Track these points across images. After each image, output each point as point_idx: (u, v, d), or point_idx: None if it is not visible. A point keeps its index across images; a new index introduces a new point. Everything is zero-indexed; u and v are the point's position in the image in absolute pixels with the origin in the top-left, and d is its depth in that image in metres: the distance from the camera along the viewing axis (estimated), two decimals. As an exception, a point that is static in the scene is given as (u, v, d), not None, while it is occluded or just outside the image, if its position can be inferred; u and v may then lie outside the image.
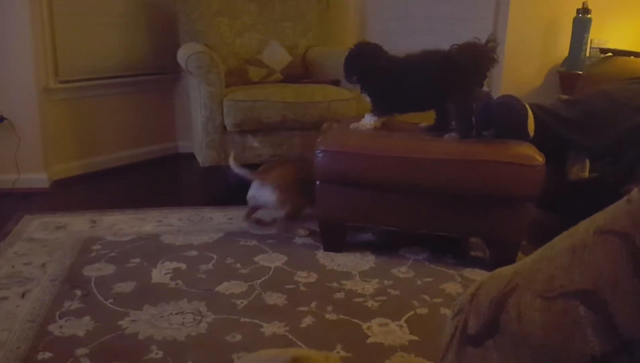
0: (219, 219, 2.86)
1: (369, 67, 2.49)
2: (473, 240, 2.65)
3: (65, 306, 1.99)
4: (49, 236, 2.61)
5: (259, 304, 2.04)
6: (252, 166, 2.81)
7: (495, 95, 2.81)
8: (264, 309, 2.00)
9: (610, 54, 3.89)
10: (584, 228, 0.73)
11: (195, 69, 3.09)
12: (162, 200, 3.18)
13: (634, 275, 0.61)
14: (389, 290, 2.16)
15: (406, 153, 2.29)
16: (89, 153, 3.71)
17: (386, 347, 1.78)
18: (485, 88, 2.57)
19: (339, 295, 2.11)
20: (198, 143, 3.29)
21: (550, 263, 0.73)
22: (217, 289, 2.14)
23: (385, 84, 2.49)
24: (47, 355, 1.70)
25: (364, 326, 1.90)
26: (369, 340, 1.82)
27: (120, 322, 1.89)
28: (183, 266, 2.33)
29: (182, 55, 3.26)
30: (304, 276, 2.26)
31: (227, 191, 3.32)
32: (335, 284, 2.20)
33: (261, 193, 2.70)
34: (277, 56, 3.65)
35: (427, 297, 2.11)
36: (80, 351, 1.72)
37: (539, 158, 2.21)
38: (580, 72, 3.82)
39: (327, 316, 1.96)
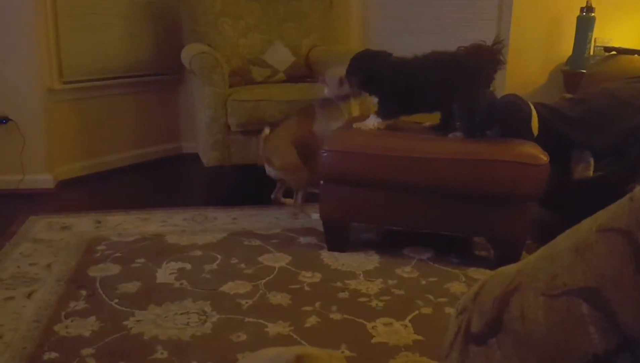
0: (223, 220, 2.87)
1: (377, 68, 2.49)
2: (477, 239, 2.64)
3: (71, 306, 2.00)
4: (54, 236, 2.62)
5: (264, 304, 2.04)
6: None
7: (499, 94, 2.80)
8: (269, 309, 2.01)
9: (614, 52, 3.88)
10: (587, 226, 0.73)
11: (199, 69, 3.10)
12: (166, 200, 3.19)
13: (637, 272, 0.61)
14: (393, 290, 2.16)
15: (410, 153, 2.29)
16: (94, 153, 3.72)
17: (391, 346, 1.79)
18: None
19: (343, 295, 2.12)
20: (202, 143, 3.30)
21: (553, 262, 0.73)
22: (221, 289, 2.14)
23: (393, 85, 2.48)
24: (53, 355, 1.71)
25: (369, 326, 1.90)
26: (373, 340, 1.82)
27: (125, 322, 1.90)
28: (188, 266, 2.34)
29: (185, 55, 3.27)
30: (308, 276, 2.26)
31: (231, 191, 3.32)
32: (339, 284, 2.20)
33: (268, 169, 2.84)
34: (281, 56, 3.66)
35: (431, 297, 2.11)
36: (86, 351, 1.73)
37: (543, 157, 2.21)
38: (584, 71, 3.81)
39: (332, 316, 1.97)
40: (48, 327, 1.86)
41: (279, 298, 2.08)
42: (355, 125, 2.55)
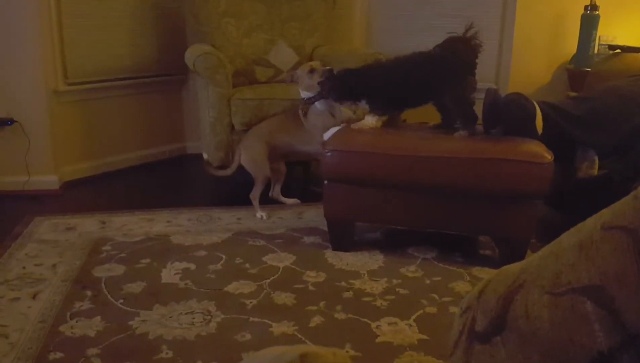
0: (228, 220, 2.87)
1: (361, 74, 2.54)
2: (481, 238, 2.64)
3: (76, 306, 2.01)
4: (60, 237, 2.63)
5: (268, 304, 2.04)
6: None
7: (504, 93, 2.80)
8: (273, 309, 2.01)
9: (618, 50, 3.87)
10: (591, 224, 0.73)
11: (203, 70, 3.10)
12: (171, 201, 3.20)
13: (641, 270, 0.61)
14: (397, 289, 2.16)
15: (414, 152, 2.29)
16: (98, 154, 3.73)
17: (395, 346, 1.78)
18: (493, 86, 2.58)
19: (348, 294, 2.12)
20: (206, 143, 3.30)
21: (558, 260, 0.73)
22: (226, 289, 2.15)
23: (376, 84, 2.52)
24: (59, 355, 1.72)
25: (373, 325, 1.90)
26: (378, 339, 1.82)
27: (130, 322, 1.90)
28: (192, 266, 2.34)
29: (189, 56, 3.27)
30: (312, 276, 2.26)
31: (235, 191, 3.32)
32: (343, 283, 2.20)
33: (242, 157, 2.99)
34: (284, 56, 3.66)
35: (436, 296, 2.11)
36: (91, 351, 1.74)
37: (548, 156, 2.21)
38: (589, 69, 3.80)
39: (336, 315, 1.97)
40: (53, 327, 1.87)
41: (284, 298, 2.08)
42: (353, 125, 2.57)
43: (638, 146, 2.47)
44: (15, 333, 1.83)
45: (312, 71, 2.85)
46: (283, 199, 3.09)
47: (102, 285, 2.17)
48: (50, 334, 1.83)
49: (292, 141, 2.94)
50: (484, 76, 3.91)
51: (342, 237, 2.51)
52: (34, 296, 2.07)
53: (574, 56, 3.94)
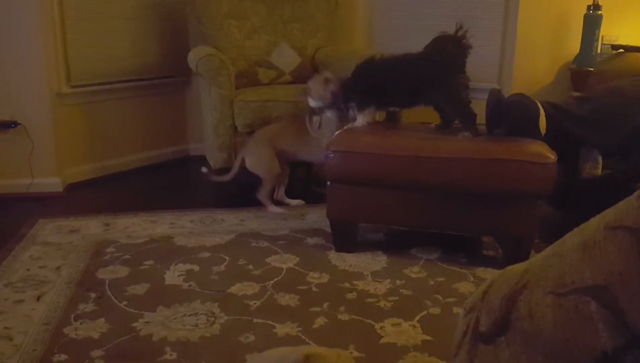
0: (231, 221, 2.87)
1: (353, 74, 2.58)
2: (485, 238, 2.64)
3: (80, 308, 2.01)
4: (63, 239, 2.63)
5: (272, 305, 2.04)
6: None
7: (507, 93, 2.80)
8: (277, 310, 2.01)
9: (621, 50, 3.85)
10: (595, 224, 0.73)
11: (206, 71, 3.11)
12: (174, 202, 3.20)
13: (645, 270, 0.61)
14: (401, 290, 2.16)
15: (417, 152, 2.29)
16: (102, 156, 3.74)
17: (399, 347, 1.78)
18: (495, 86, 2.58)
19: (351, 296, 2.12)
20: (209, 145, 3.31)
21: (561, 260, 0.73)
22: (229, 290, 2.15)
23: (363, 80, 2.55)
24: (63, 357, 1.72)
25: (377, 326, 1.90)
26: (382, 340, 1.82)
27: (134, 324, 1.91)
28: (196, 267, 2.34)
29: (192, 58, 3.28)
30: (316, 277, 2.27)
31: (238, 193, 3.32)
32: (347, 284, 2.20)
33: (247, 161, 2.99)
34: (287, 58, 3.66)
35: (439, 297, 2.11)
36: (95, 353, 1.74)
37: (551, 156, 2.20)
38: (592, 69, 3.79)
39: (340, 316, 1.97)
40: (57, 329, 1.87)
41: (287, 299, 2.08)
42: (346, 127, 2.58)
43: (641, 146, 2.47)
44: (20, 335, 1.83)
45: (327, 81, 2.78)
46: (287, 200, 3.10)
47: (106, 286, 2.18)
48: (54, 336, 1.83)
49: (295, 148, 2.96)
50: (487, 76, 3.91)
51: (345, 238, 2.51)
52: (38, 299, 2.08)
53: (577, 56, 3.93)
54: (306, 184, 3.68)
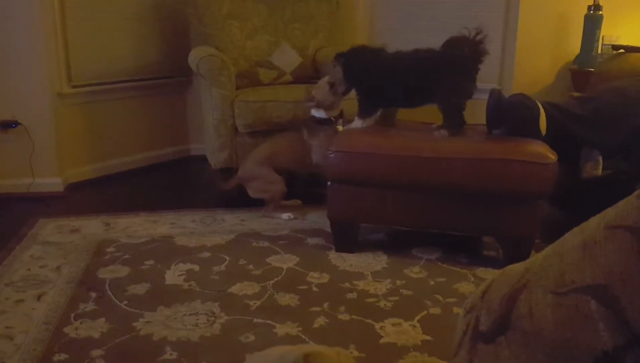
0: (232, 221, 2.87)
1: (356, 63, 2.56)
2: (486, 239, 2.64)
3: (80, 308, 2.01)
4: (64, 239, 2.63)
5: (272, 305, 2.04)
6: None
7: (507, 93, 2.80)
8: (277, 310, 2.01)
9: (622, 50, 3.85)
10: (595, 223, 0.73)
11: (207, 72, 3.11)
12: (175, 202, 3.20)
13: (645, 269, 0.61)
14: (401, 290, 2.16)
15: (418, 152, 2.29)
16: (103, 156, 3.74)
17: (399, 347, 1.78)
18: (496, 86, 2.57)
19: (352, 296, 2.12)
20: (210, 145, 3.31)
21: (562, 259, 0.73)
22: (230, 290, 2.15)
23: (371, 78, 2.53)
24: (63, 356, 1.72)
25: (377, 326, 1.90)
26: (382, 340, 1.82)
27: (134, 324, 1.91)
28: (196, 267, 2.34)
29: (193, 58, 3.28)
30: (316, 277, 2.26)
31: (239, 193, 3.33)
32: (347, 284, 2.20)
33: (249, 190, 2.96)
34: (288, 58, 3.66)
35: (440, 297, 2.11)
36: (96, 352, 1.74)
37: (552, 156, 2.20)
38: (592, 69, 3.79)
39: (340, 316, 1.97)
40: (58, 328, 1.87)
41: (287, 299, 2.08)
42: (344, 128, 2.58)
43: (642, 146, 2.47)
44: (20, 335, 1.83)
45: (332, 85, 2.77)
46: (284, 202, 3.05)
47: (107, 286, 2.18)
48: (54, 335, 1.83)
49: (295, 162, 2.93)
50: (488, 76, 3.91)
51: (345, 238, 2.51)
52: (39, 298, 2.08)
53: (578, 56, 3.93)
54: (307, 184, 3.67)
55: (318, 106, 2.84)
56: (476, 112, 2.50)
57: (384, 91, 2.53)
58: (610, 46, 3.93)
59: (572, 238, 0.76)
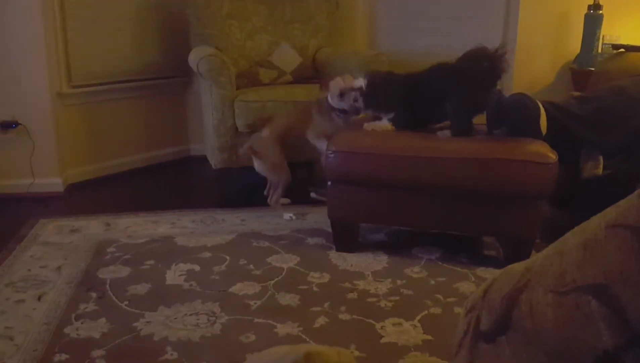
0: (232, 221, 2.87)
1: (389, 89, 2.52)
2: (486, 238, 2.64)
3: (81, 308, 2.01)
4: (64, 239, 2.63)
5: (273, 305, 2.04)
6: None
7: (507, 93, 2.79)
8: (278, 310, 2.01)
9: (622, 50, 3.86)
10: (596, 223, 0.73)
11: (206, 72, 3.11)
12: (175, 203, 3.20)
13: (646, 268, 0.61)
14: (402, 290, 2.16)
15: (418, 152, 2.29)
16: (103, 156, 3.74)
17: (400, 346, 1.78)
18: (497, 86, 2.56)
19: (352, 295, 2.12)
20: (210, 145, 3.31)
21: (562, 259, 0.73)
22: (230, 290, 2.15)
23: (404, 102, 2.50)
24: (64, 357, 1.72)
25: (378, 326, 1.90)
26: (382, 340, 1.82)
27: (135, 324, 1.91)
28: (197, 267, 2.34)
29: (193, 58, 3.28)
30: (316, 277, 2.27)
31: (239, 193, 3.33)
32: (348, 284, 2.20)
33: (256, 163, 2.88)
34: (288, 58, 3.66)
35: (440, 297, 2.11)
36: (96, 353, 1.74)
37: (552, 156, 2.20)
38: (593, 69, 3.79)
39: (341, 316, 1.97)
40: (58, 329, 1.87)
41: (288, 299, 2.08)
42: (365, 125, 2.55)
43: (643, 145, 2.47)
44: (21, 335, 1.83)
45: (342, 94, 2.74)
46: (282, 200, 3.01)
47: (107, 286, 2.18)
48: (55, 336, 1.83)
49: (307, 133, 2.88)
50: (488, 76, 3.91)
51: (346, 238, 2.51)
52: (39, 298, 2.08)
53: (578, 56, 3.94)
54: (308, 184, 3.68)
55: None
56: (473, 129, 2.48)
57: (417, 111, 2.50)
58: (610, 46, 3.93)
59: (573, 237, 0.76)
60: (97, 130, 3.71)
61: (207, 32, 3.55)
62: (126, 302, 2.06)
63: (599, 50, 3.87)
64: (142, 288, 2.16)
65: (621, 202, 0.72)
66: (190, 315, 1.97)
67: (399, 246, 2.56)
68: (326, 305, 2.04)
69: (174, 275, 2.27)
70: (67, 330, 1.87)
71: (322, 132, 2.79)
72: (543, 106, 2.47)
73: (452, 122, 2.42)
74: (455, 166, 2.24)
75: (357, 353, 1.75)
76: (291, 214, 2.89)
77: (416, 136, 2.43)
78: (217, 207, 3.08)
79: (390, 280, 2.24)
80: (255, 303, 2.05)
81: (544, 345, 0.70)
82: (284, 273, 2.30)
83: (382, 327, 1.89)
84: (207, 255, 2.47)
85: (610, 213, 0.72)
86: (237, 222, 2.86)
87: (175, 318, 1.94)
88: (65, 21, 3.42)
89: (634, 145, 2.52)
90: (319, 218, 2.86)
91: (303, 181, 3.64)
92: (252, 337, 1.83)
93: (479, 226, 2.38)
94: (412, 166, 2.29)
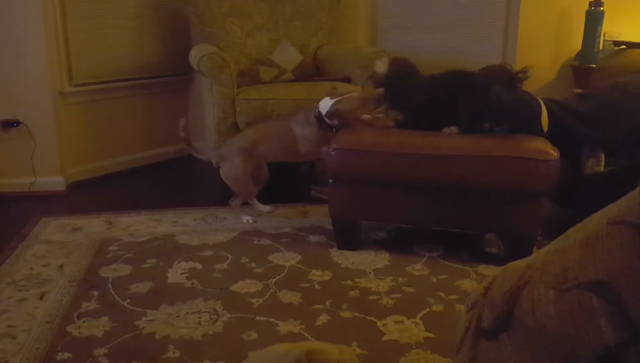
0: (233, 219, 2.87)
1: (407, 86, 2.49)
2: (487, 236, 2.64)
3: (83, 307, 2.01)
4: (66, 238, 2.64)
5: (274, 303, 2.05)
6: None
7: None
8: (279, 307, 2.01)
9: (623, 46, 3.85)
10: (597, 219, 0.73)
11: (207, 70, 3.11)
12: (176, 201, 3.20)
13: (648, 265, 0.61)
14: (403, 288, 2.16)
15: (419, 150, 2.28)
16: (104, 155, 3.74)
17: (402, 344, 1.78)
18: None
19: (354, 293, 2.12)
20: (211, 143, 3.31)
21: (564, 255, 0.73)
22: (232, 288, 2.15)
23: (416, 104, 2.49)
24: (66, 355, 1.72)
25: (379, 323, 1.90)
26: (384, 338, 1.82)
27: (137, 322, 1.91)
28: (198, 265, 2.35)
29: (194, 56, 3.28)
30: (318, 275, 2.27)
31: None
32: (349, 282, 2.20)
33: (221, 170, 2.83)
34: (288, 56, 3.66)
35: (442, 294, 2.11)
36: (99, 351, 1.74)
37: (554, 153, 2.20)
38: (594, 66, 3.79)
39: (342, 314, 1.97)
40: (61, 327, 1.88)
41: (290, 297, 2.08)
42: (363, 116, 2.56)
43: (644, 142, 2.46)
44: (23, 334, 1.84)
45: (365, 101, 2.60)
46: (258, 205, 2.86)
47: (109, 285, 2.18)
48: (57, 334, 1.83)
49: (280, 151, 2.76)
50: (489, 73, 3.91)
51: (347, 236, 2.51)
52: (41, 297, 2.08)
53: (579, 53, 3.93)
54: (308, 183, 3.68)
55: (334, 114, 2.58)
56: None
57: (425, 118, 2.49)
58: (611, 42, 3.92)
59: (575, 234, 0.76)
60: (99, 129, 3.71)
61: (207, 30, 3.55)
62: (128, 300, 2.06)
63: (600, 47, 3.86)
64: (144, 287, 2.17)
65: (623, 199, 0.72)
66: (192, 313, 1.97)
67: (400, 243, 2.56)
68: (328, 302, 2.04)
69: (176, 273, 2.28)
70: (69, 329, 1.87)
71: (314, 142, 2.66)
72: (544, 103, 2.47)
73: (459, 118, 2.42)
74: (456, 164, 2.24)
75: (358, 350, 1.75)
76: (249, 217, 2.83)
77: (418, 133, 2.43)
78: (218, 205, 3.08)
79: (391, 277, 2.24)
80: (257, 301, 2.05)
81: (546, 341, 0.70)
82: (285, 271, 2.30)
83: (383, 325, 1.89)
84: (208, 253, 2.47)
85: (612, 209, 0.72)
86: (239, 220, 2.86)
87: (177, 316, 1.95)
88: (66, 20, 3.42)
89: (635, 142, 2.52)
90: (320, 216, 2.86)
91: (304, 179, 3.64)
92: (254, 335, 1.83)
93: (480, 224, 2.38)
94: (414, 164, 2.29)
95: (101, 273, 2.28)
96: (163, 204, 3.11)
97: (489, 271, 2.29)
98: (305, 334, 1.84)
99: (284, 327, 1.88)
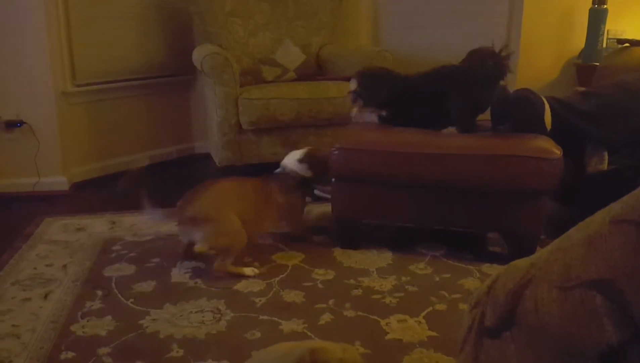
0: (236, 219, 2.87)
1: (390, 88, 2.51)
2: (491, 235, 2.63)
3: (87, 306, 2.02)
4: (70, 237, 2.64)
5: (278, 302, 2.05)
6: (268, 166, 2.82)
7: (512, 88, 2.79)
8: (283, 307, 2.01)
9: (627, 44, 3.84)
10: (600, 218, 0.73)
11: (210, 69, 3.11)
12: (180, 200, 3.19)
13: (651, 263, 0.61)
14: (406, 287, 2.16)
15: (422, 149, 2.28)
16: (107, 155, 3.75)
17: (405, 343, 1.78)
18: (501, 82, 2.55)
19: (357, 292, 2.12)
20: (214, 143, 3.32)
21: (567, 254, 0.73)
22: (235, 287, 2.15)
23: (404, 104, 2.50)
24: (70, 354, 1.73)
25: (383, 322, 1.90)
26: (387, 337, 1.82)
27: (141, 321, 1.91)
28: (202, 265, 2.35)
29: (196, 56, 3.28)
30: (321, 274, 2.27)
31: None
32: (352, 281, 2.20)
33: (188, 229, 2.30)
34: (291, 55, 3.66)
35: (445, 293, 2.10)
36: (102, 350, 1.75)
37: (557, 151, 2.20)
38: (597, 64, 3.78)
39: (345, 313, 1.97)
40: (65, 327, 1.88)
41: (293, 296, 2.09)
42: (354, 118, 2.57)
43: (648, 140, 2.46)
44: (27, 333, 1.84)
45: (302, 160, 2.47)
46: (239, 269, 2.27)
47: (113, 284, 2.19)
48: (61, 334, 1.84)
49: (258, 220, 2.36)
50: (492, 72, 3.90)
51: (350, 235, 2.51)
52: (45, 297, 2.09)
53: (582, 51, 3.92)
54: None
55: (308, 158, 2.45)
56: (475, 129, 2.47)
57: (408, 114, 2.50)
58: (615, 40, 3.92)
59: (577, 233, 0.76)
60: (102, 128, 3.71)
61: (210, 30, 3.55)
62: (132, 300, 2.07)
63: (604, 45, 3.86)
64: (147, 286, 2.17)
65: (626, 197, 0.71)
66: (196, 312, 1.97)
67: (403, 243, 2.56)
68: (331, 301, 2.04)
69: (179, 273, 2.28)
70: (73, 328, 1.87)
71: (294, 215, 2.50)
72: (547, 102, 2.47)
73: (455, 123, 2.41)
74: (459, 163, 2.24)
75: (362, 349, 1.75)
76: (253, 268, 2.27)
77: (420, 133, 2.43)
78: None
79: (394, 276, 2.24)
80: (260, 300, 2.05)
81: (549, 340, 0.70)
82: (288, 270, 2.30)
83: (387, 324, 1.89)
84: (212, 252, 2.47)
85: (615, 208, 0.72)
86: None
87: (181, 316, 1.95)
88: (69, 20, 3.43)
89: (638, 140, 2.51)
90: (323, 215, 2.86)
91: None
92: (257, 334, 1.83)
93: (483, 223, 2.38)
94: (417, 163, 2.28)
95: (105, 272, 2.29)
96: (166, 204, 3.10)
97: (492, 270, 2.29)
98: (309, 333, 1.84)
99: (287, 326, 1.88)
